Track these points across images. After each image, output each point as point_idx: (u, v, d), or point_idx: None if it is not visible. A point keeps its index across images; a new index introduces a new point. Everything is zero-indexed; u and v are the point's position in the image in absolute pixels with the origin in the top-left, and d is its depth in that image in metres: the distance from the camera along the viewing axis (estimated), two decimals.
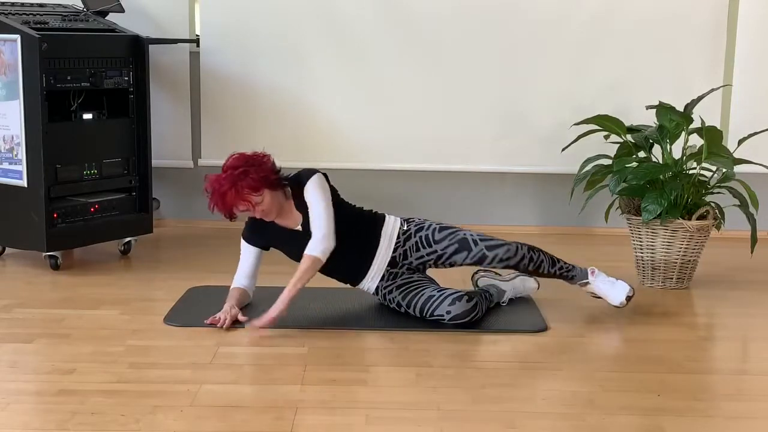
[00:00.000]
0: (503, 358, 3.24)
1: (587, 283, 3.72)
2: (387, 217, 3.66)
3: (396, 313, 3.64)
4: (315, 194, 3.48)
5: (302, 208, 3.50)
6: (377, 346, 3.31)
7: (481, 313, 3.54)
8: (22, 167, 4.13)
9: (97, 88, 4.33)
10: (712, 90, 4.30)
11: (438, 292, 3.52)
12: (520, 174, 5.21)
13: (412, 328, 3.49)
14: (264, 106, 5.06)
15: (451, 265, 3.62)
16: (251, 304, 3.63)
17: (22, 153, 4.12)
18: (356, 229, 3.57)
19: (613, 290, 3.69)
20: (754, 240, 4.05)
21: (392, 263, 3.60)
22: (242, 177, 3.36)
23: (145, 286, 4.06)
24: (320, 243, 3.43)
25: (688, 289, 4.15)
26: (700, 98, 4.19)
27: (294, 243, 3.53)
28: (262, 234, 3.58)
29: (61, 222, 4.19)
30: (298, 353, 3.21)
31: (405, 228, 3.62)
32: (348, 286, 3.70)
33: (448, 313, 3.46)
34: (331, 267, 3.54)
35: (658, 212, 3.97)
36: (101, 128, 4.38)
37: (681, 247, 4.07)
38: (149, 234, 4.60)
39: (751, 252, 4.09)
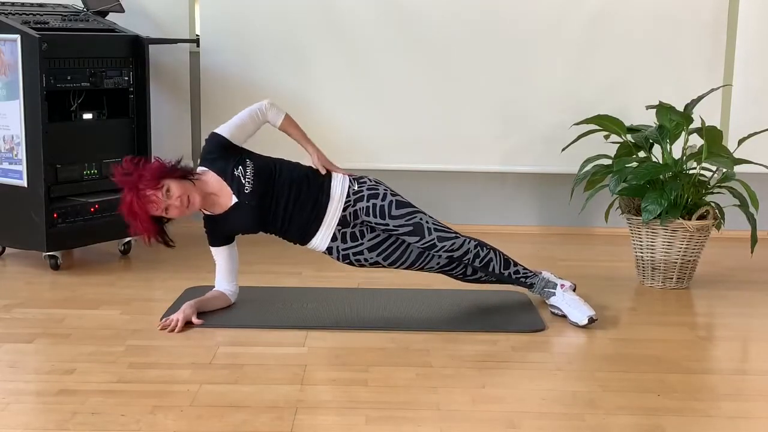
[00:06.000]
0: (503, 358, 3.23)
1: (552, 294, 3.65)
2: (333, 174, 3.60)
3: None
4: (225, 125, 3.54)
5: (224, 170, 3.47)
6: (377, 346, 3.31)
7: (472, 256, 3.59)
8: (22, 167, 4.13)
9: (97, 88, 4.34)
10: (712, 90, 4.30)
11: (429, 249, 3.57)
12: (520, 174, 5.21)
13: (412, 328, 3.49)
14: None
15: (401, 245, 3.60)
16: (236, 304, 3.65)
17: (22, 153, 4.12)
18: (304, 186, 3.52)
19: (578, 309, 3.56)
20: (754, 240, 4.05)
21: (342, 222, 3.56)
22: (138, 180, 3.33)
23: (145, 286, 4.06)
24: (270, 106, 3.60)
25: (688, 289, 4.15)
26: (700, 98, 4.19)
27: (240, 216, 3.49)
28: (219, 230, 3.57)
29: (61, 222, 4.19)
30: (298, 353, 3.21)
31: (356, 188, 3.57)
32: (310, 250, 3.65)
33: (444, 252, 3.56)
34: (281, 224, 3.53)
35: (658, 212, 3.97)
36: (101, 128, 4.38)
37: (681, 247, 4.07)
38: None
39: (751, 252, 4.09)
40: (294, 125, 3.63)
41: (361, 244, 3.58)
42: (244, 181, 3.45)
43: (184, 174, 3.43)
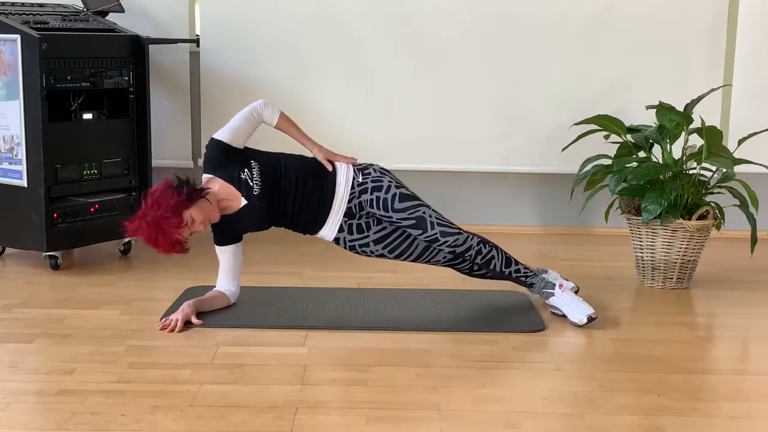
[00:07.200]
0: (503, 358, 3.23)
1: (551, 294, 3.64)
2: (337, 165, 3.61)
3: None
4: (223, 130, 3.51)
5: (231, 176, 3.47)
6: (377, 346, 3.31)
7: (475, 252, 3.60)
8: (22, 167, 4.13)
9: (97, 88, 4.34)
10: (712, 90, 4.30)
11: (431, 242, 3.57)
12: (521, 174, 5.21)
13: (412, 328, 3.49)
14: None
15: (407, 238, 3.61)
16: (236, 304, 3.65)
17: (22, 153, 4.12)
18: (310, 179, 3.54)
19: (577, 308, 3.55)
20: (754, 240, 4.05)
21: (349, 214, 3.58)
22: (159, 221, 3.27)
23: (145, 286, 4.06)
24: (265, 106, 3.58)
25: (688, 289, 4.15)
26: (700, 98, 4.19)
27: (250, 216, 3.50)
28: (228, 230, 3.56)
29: (61, 222, 4.19)
30: (298, 353, 3.21)
31: (361, 179, 3.59)
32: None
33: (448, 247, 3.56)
34: (291, 219, 3.55)
35: (658, 212, 3.97)
36: (101, 128, 4.38)
37: (681, 247, 4.07)
38: None
39: (751, 252, 4.09)
40: (290, 123, 3.63)
41: (367, 236, 3.60)
42: (252, 184, 3.46)
43: (199, 195, 3.39)
